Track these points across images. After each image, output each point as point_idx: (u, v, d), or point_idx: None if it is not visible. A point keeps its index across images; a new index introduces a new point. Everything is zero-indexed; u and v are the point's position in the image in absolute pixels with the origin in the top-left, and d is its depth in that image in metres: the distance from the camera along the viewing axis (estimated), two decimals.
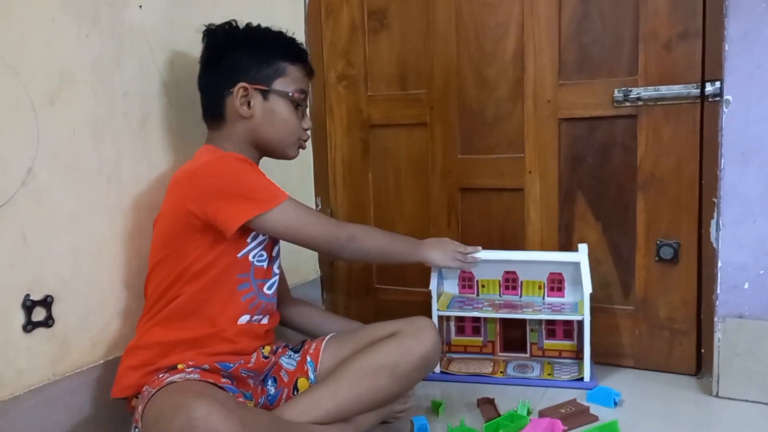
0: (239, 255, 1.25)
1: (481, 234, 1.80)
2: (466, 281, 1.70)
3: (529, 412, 1.37)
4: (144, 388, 1.14)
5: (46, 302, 1.17)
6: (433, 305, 1.61)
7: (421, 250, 1.46)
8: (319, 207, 1.98)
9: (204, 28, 1.34)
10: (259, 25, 1.36)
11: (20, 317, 1.13)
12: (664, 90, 1.53)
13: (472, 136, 1.78)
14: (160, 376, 1.14)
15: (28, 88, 1.13)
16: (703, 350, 1.58)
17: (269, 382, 1.32)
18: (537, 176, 1.70)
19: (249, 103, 1.29)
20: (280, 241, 1.34)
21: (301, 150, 1.39)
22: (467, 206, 1.82)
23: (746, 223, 1.41)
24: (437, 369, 1.55)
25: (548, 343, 1.67)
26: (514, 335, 1.69)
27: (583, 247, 1.58)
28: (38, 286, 1.16)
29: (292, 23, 1.86)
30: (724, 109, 1.40)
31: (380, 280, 1.94)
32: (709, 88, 1.49)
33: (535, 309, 1.59)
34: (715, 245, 1.47)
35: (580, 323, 1.56)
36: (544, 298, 1.66)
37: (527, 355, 1.68)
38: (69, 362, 1.22)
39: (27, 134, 1.13)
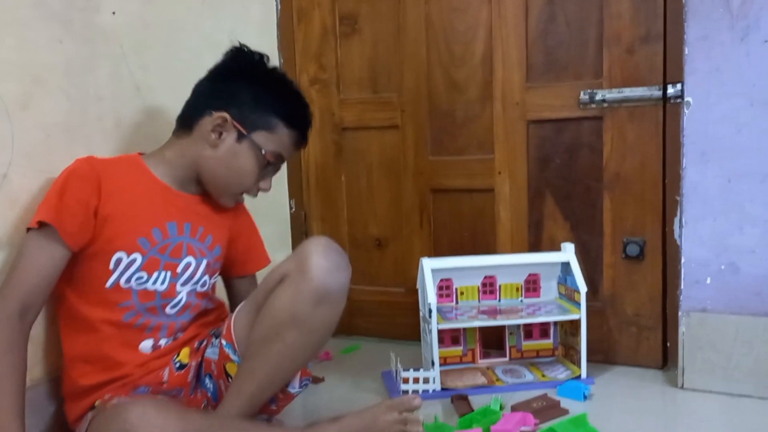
0: (108, 285, 1.16)
1: (452, 234, 1.83)
2: (444, 290, 1.66)
3: (501, 407, 1.40)
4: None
5: None
6: (421, 309, 1.62)
7: None
8: (293, 209, 1.99)
9: (238, 43, 1.29)
10: (284, 74, 1.32)
11: None
12: (628, 92, 1.58)
13: (442, 137, 1.81)
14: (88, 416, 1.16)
15: (1, 93, 1.13)
16: (668, 344, 1.63)
17: (206, 381, 1.25)
18: (506, 177, 1.74)
19: (220, 134, 1.22)
20: (212, 251, 1.28)
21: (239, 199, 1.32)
22: (439, 207, 1.85)
23: (707, 221, 1.46)
24: (438, 386, 1.51)
25: (526, 344, 1.68)
26: (488, 340, 1.69)
27: (569, 246, 1.60)
28: None
29: (265, 27, 1.87)
30: (685, 110, 1.45)
31: (354, 281, 1.94)
32: (670, 90, 1.54)
33: (520, 312, 1.58)
34: (678, 242, 1.52)
35: (575, 322, 1.55)
36: (522, 300, 1.68)
37: (507, 358, 1.68)
38: (43, 369, 1.23)
39: (1, 139, 1.13)
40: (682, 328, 1.49)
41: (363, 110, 1.89)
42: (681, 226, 1.49)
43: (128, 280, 1.17)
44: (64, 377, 1.21)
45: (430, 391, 1.51)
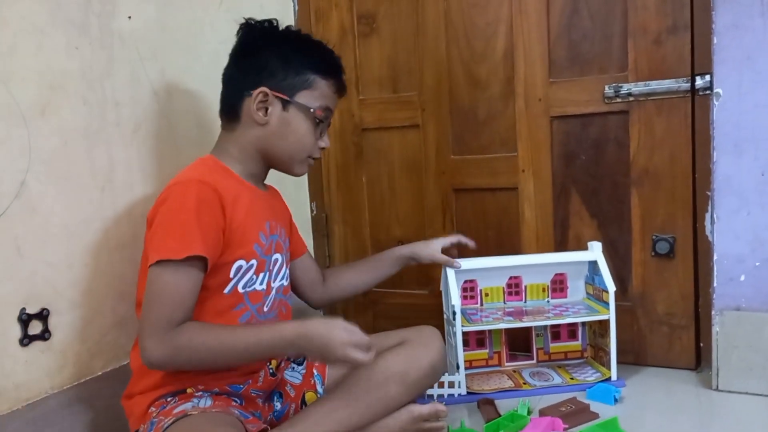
0: (226, 291, 1.16)
1: (476, 234, 1.79)
2: (468, 291, 1.64)
3: (529, 412, 1.37)
4: (150, 410, 1.11)
5: (42, 315, 1.16)
6: (445, 312, 1.60)
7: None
8: (314, 212, 1.97)
9: (242, 21, 1.28)
10: (299, 30, 1.31)
11: (16, 331, 1.13)
12: (655, 85, 1.53)
13: (464, 136, 1.78)
14: (168, 399, 1.11)
15: (19, 100, 1.12)
16: (702, 344, 1.58)
17: (275, 398, 1.29)
18: (530, 174, 1.70)
19: (266, 110, 1.22)
20: (286, 243, 1.32)
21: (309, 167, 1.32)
22: (462, 206, 1.82)
23: (741, 215, 1.41)
24: (463, 390, 1.49)
25: (553, 346, 1.64)
26: (514, 342, 1.66)
27: (596, 245, 1.57)
28: (34, 299, 1.15)
29: None
30: (715, 101, 1.41)
31: (379, 284, 1.93)
32: (699, 81, 1.49)
33: (547, 313, 1.55)
34: (710, 238, 1.47)
35: (604, 322, 1.51)
36: (548, 301, 1.65)
37: (534, 361, 1.65)
38: (67, 374, 1.22)
39: (18, 146, 1.13)
40: (715, 328, 1.45)
41: (383, 110, 1.87)
42: (713, 222, 1.44)
43: (244, 285, 1.19)
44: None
45: (456, 396, 1.48)
